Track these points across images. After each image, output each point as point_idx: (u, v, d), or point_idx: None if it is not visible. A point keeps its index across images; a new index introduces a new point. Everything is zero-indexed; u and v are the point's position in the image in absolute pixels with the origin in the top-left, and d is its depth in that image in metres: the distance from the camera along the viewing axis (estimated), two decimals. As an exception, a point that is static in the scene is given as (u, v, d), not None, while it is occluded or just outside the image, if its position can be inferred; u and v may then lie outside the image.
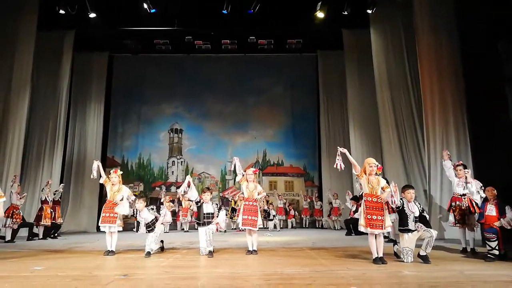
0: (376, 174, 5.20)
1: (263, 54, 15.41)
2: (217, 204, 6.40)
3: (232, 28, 13.38)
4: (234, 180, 15.38)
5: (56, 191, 10.58)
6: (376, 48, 11.52)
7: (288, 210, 14.29)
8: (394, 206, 5.31)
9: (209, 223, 6.13)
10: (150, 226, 6.18)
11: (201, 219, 6.18)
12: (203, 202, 6.24)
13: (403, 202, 5.28)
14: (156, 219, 6.30)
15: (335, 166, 5.27)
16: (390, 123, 10.92)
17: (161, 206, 10.87)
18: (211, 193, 6.46)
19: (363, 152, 12.07)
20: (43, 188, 10.26)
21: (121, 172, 6.82)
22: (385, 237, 6.16)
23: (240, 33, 14.17)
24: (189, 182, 6.27)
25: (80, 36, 13.23)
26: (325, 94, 14.78)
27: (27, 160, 11.98)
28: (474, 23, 8.82)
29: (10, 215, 8.95)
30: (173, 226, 13.43)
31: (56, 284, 3.82)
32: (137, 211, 6.31)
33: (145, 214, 6.19)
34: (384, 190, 5.11)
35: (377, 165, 5.22)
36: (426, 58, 9.49)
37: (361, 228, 5.12)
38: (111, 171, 6.71)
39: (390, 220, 5.13)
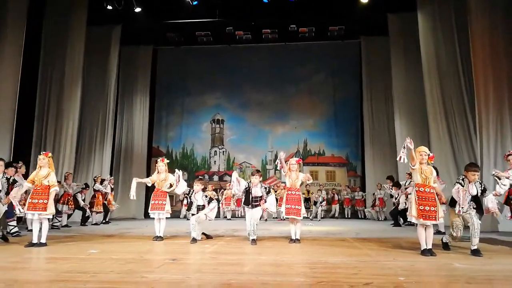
0: (428, 163, 4.99)
1: (304, 42, 15.18)
2: (265, 188, 6.38)
3: (273, 17, 13.30)
4: (275, 170, 15.45)
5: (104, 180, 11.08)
6: (424, 32, 10.98)
7: (330, 199, 14.13)
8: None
9: (257, 205, 6.16)
10: (199, 210, 6.34)
11: (250, 202, 6.21)
12: (252, 186, 6.26)
13: (463, 182, 5.04)
14: (204, 206, 6.44)
15: (398, 159, 5.10)
16: (439, 112, 10.42)
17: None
18: (260, 176, 6.44)
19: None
20: (95, 179, 10.79)
21: (168, 161, 7.05)
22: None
23: (280, 21, 14.05)
24: (237, 178, 6.31)
25: (126, 31, 13.68)
26: (368, 81, 14.35)
27: (80, 150, 12.65)
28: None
29: (65, 201, 9.56)
30: (216, 214, 13.70)
31: (111, 266, 4.05)
32: (193, 191, 6.52)
33: (199, 197, 6.39)
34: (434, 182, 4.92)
35: (429, 154, 4.99)
36: (479, 42, 8.90)
37: (413, 219, 4.95)
38: (158, 160, 6.96)
39: (442, 211, 4.92)
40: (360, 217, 14.09)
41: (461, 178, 5.10)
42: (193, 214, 6.46)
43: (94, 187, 10.53)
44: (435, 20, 10.77)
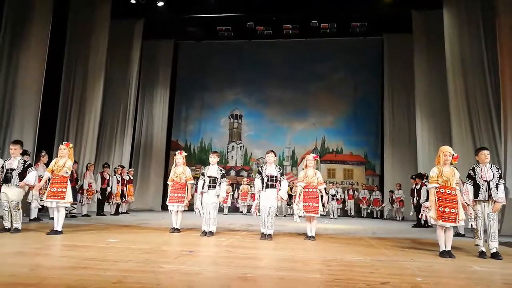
0: (451, 164, 4.89)
1: (325, 38, 15.03)
2: (280, 168, 6.30)
3: (294, 13, 13.21)
4: (292, 167, 15.42)
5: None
6: (449, 30, 10.71)
7: (345, 196, 14.03)
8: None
9: (272, 186, 6.04)
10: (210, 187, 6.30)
11: (265, 181, 6.05)
12: (266, 166, 6.17)
13: (475, 171, 4.94)
14: (216, 179, 6.33)
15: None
16: (462, 112, 10.16)
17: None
18: (276, 156, 6.37)
19: (430, 141, 11.45)
20: (115, 170, 11.00)
21: (186, 154, 7.10)
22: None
23: (302, 17, 13.95)
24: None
25: (148, 25, 13.84)
26: (390, 79, 14.13)
27: (101, 141, 12.90)
28: None
29: (84, 192, 9.78)
30: (232, 209, 13.84)
31: (130, 255, 4.13)
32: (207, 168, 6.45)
33: (214, 169, 6.32)
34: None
35: (453, 155, 4.89)
36: (507, 41, 8.61)
37: (432, 221, 4.88)
38: (176, 152, 7.01)
39: (463, 213, 4.81)
40: (376, 216, 13.94)
41: (471, 168, 4.99)
42: (202, 193, 6.28)
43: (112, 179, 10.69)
44: (461, 18, 10.49)
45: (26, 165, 5.91)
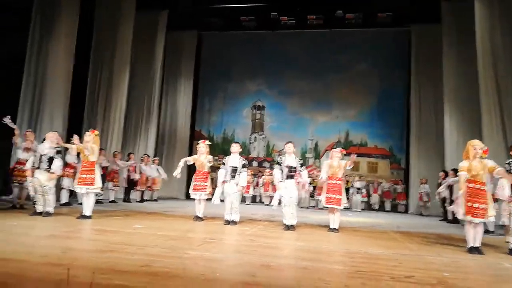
0: (481, 157, 4.74)
1: (350, 29, 14.73)
2: (300, 159, 6.27)
3: (319, 3, 13.01)
4: (314, 159, 15.33)
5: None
6: (480, 20, 10.26)
7: (370, 190, 13.87)
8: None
9: (292, 176, 6.04)
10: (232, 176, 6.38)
11: (284, 172, 6.05)
12: (285, 156, 6.17)
13: (510, 165, 4.80)
14: (236, 169, 6.39)
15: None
16: (493, 106, 9.76)
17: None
18: (294, 146, 6.35)
19: (459, 136, 11.09)
20: (142, 158, 11.24)
21: (210, 143, 7.14)
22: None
23: (326, 7, 13.71)
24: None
25: (172, 16, 13.91)
26: (417, 71, 13.72)
27: (126, 132, 13.12)
28: None
29: (111, 179, 10.03)
30: (253, 199, 13.93)
31: (156, 241, 4.24)
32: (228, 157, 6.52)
33: (235, 158, 6.40)
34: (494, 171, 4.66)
35: (483, 148, 4.74)
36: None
37: (460, 216, 4.76)
38: (200, 141, 7.04)
39: (493, 209, 4.67)
40: (401, 211, 13.71)
41: (507, 162, 4.84)
42: (223, 182, 6.34)
43: (140, 167, 10.92)
44: (494, 8, 10.04)
45: (55, 151, 6.11)
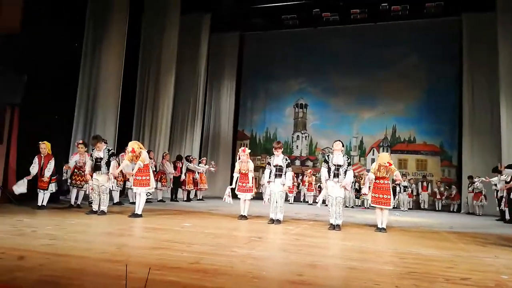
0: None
1: (397, 21, 14.21)
2: (348, 157, 6.18)
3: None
4: (359, 157, 14.98)
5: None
6: (541, 4, 9.57)
7: (419, 188, 13.34)
8: None
9: (338, 175, 5.97)
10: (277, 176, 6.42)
11: (332, 171, 6.00)
12: (332, 155, 6.13)
13: None
14: (282, 168, 6.42)
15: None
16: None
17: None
18: (343, 145, 6.26)
19: (517, 130, 10.40)
20: (191, 159, 11.57)
21: (250, 151, 7.16)
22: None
23: (371, 0, 13.32)
24: None
25: (215, 18, 14.19)
26: (470, 63, 12.98)
27: (173, 134, 13.57)
28: None
29: (159, 179, 10.40)
30: (296, 198, 13.88)
31: (204, 239, 4.36)
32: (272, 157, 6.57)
33: (279, 159, 6.43)
34: None
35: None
36: None
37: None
38: (240, 150, 7.06)
39: None
40: (453, 210, 13.06)
41: None
42: (268, 182, 6.43)
43: (187, 166, 11.24)
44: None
45: (110, 154, 6.53)
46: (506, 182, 8.62)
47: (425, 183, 13.44)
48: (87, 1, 10.26)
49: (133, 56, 11.94)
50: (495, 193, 9.44)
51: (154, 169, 9.04)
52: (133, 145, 6.37)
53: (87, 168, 6.65)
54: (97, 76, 10.26)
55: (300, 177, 14.36)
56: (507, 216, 8.92)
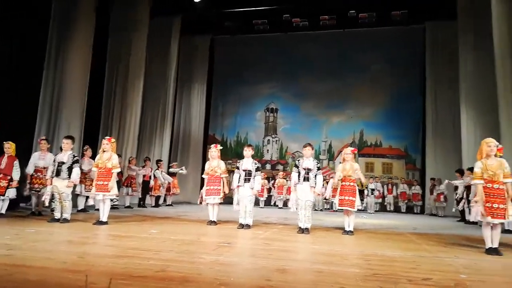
0: (495, 156, 4.64)
1: (364, 28, 14.62)
2: (317, 162, 6.26)
3: (331, 3, 12.96)
4: (328, 160, 15.24)
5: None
6: (498, 16, 10.03)
7: (384, 191, 13.72)
8: None
9: (307, 179, 6.02)
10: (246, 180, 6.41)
11: (301, 175, 6.05)
12: (302, 160, 6.17)
13: None
14: (251, 172, 6.42)
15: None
16: (512, 102, 9.57)
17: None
18: (313, 149, 6.33)
19: (475, 133, 10.88)
20: (157, 168, 11.38)
21: (221, 147, 7.15)
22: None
23: (339, 7, 13.65)
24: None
25: (186, 21, 14.06)
26: (433, 69, 13.54)
27: (141, 138, 13.28)
28: None
29: (128, 184, 10.17)
30: (267, 202, 13.92)
31: (171, 246, 4.28)
32: (241, 161, 6.58)
33: (248, 162, 6.45)
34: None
35: (497, 146, 4.65)
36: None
37: (478, 217, 4.67)
38: (211, 146, 7.03)
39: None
40: (416, 212, 13.52)
41: None
42: (238, 186, 6.40)
43: (155, 173, 11.04)
44: (511, 1, 9.82)
45: (74, 160, 6.25)
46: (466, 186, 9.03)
47: (390, 186, 13.84)
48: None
49: (100, 58, 11.62)
50: (455, 194, 9.85)
51: (120, 174, 8.83)
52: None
53: (49, 173, 6.31)
54: (61, 78, 9.89)
55: (272, 181, 14.46)
56: (467, 217, 9.32)
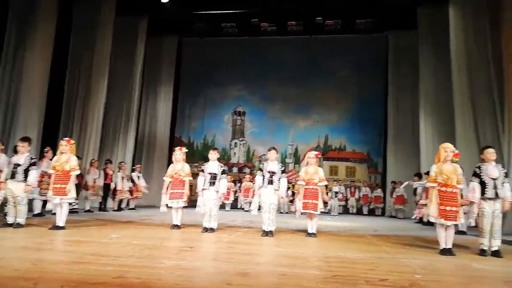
0: (452, 161, 4.86)
1: (330, 35, 14.96)
2: (282, 165, 6.31)
3: (299, 9, 13.16)
4: (294, 164, 15.42)
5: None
6: (454, 26, 10.59)
7: (348, 194, 14.06)
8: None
9: (272, 182, 6.05)
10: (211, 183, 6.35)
11: (266, 178, 6.08)
12: (267, 160, 6.19)
13: (480, 169, 4.95)
14: (216, 175, 6.35)
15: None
16: (467, 109, 10.05)
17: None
18: (277, 152, 6.37)
19: (434, 139, 11.39)
20: (119, 166, 11.07)
21: (186, 150, 7.04)
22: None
23: (306, 13, 13.90)
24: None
25: (153, 21, 13.81)
26: (394, 77, 14.07)
27: (104, 139, 12.86)
28: None
29: (89, 188, 9.82)
30: (233, 205, 13.88)
31: (131, 251, 4.16)
32: (207, 165, 6.48)
33: (214, 165, 6.37)
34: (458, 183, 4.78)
35: (454, 151, 4.87)
36: (512, 36, 8.56)
37: (432, 219, 4.87)
38: (176, 149, 6.93)
39: (463, 210, 4.81)
40: (378, 214, 13.94)
41: (477, 166, 5.00)
42: (203, 190, 6.34)
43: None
44: (467, 15, 10.36)
45: (31, 162, 5.96)
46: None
47: (353, 189, 14.20)
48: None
49: (61, 57, 11.19)
50: (414, 197, 10.24)
51: (80, 177, 8.51)
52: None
53: (2, 175, 5.96)
54: (19, 77, 9.44)
55: (238, 185, 14.44)
56: (425, 219, 9.70)
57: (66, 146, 5.97)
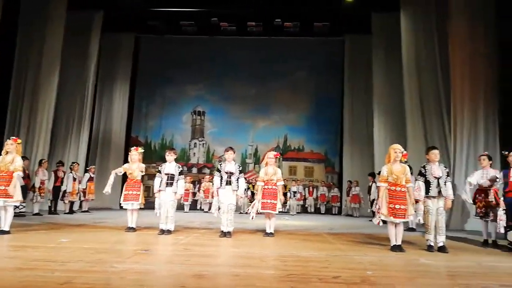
0: (401, 161, 5.09)
1: (289, 37, 15.16)
2: (239, 166, 6.31)
3: (258, 10, 13.23)
4: (254, 164, 15.49)
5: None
6: (405, 32, 11.12)
7: (306, 193, 14.33)
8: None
9: (230, 182, 6.03)
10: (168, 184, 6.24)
11: (224, 179, 6.05)
12: (225, 163, 6.18)
13: (425, 168, 5.21)
14: (173, 176, 6.26)
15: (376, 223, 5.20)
16: (416, 111, 10.61)
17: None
18: (234, 153, 6.36)
19: (386, 139, 11.89)
20: (70, 167, 10.59)
21: (142, 150, 6.87)
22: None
23: (266, 15, 13.99)
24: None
25: (108, 17, 13.32)
26: (350, 79, 14.51)
27: (55, 138, 12.25)
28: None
29: (37, 190, 9.32)
30: (192, 206, 13.72)
31: (81, 255, 3.99)
32: (164, 165, 6.37)
33: (171, 167, 6.26)
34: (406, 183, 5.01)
35: (403, 152, 5.10)
36: (458, 45, 9.10)
37: (382, 217, 5.07)
38: (132, 148, 6.75)
39: (412, 208, 5.04)
40: (335, 213, 14.33)
41: (422, 166, 5.28)
42: (159, 191, 6.20)
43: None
44: (417, 22, 10.91)
45: None
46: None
47: (311, 188, 14.50)
48: None
49: (8, 52, 10.54)
50: (369, 196, 10.61)
51: (27, 178, 8.06)
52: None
53: None
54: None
55: (198, 186, 14.28)
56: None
57: (12, 145, 5.65)
